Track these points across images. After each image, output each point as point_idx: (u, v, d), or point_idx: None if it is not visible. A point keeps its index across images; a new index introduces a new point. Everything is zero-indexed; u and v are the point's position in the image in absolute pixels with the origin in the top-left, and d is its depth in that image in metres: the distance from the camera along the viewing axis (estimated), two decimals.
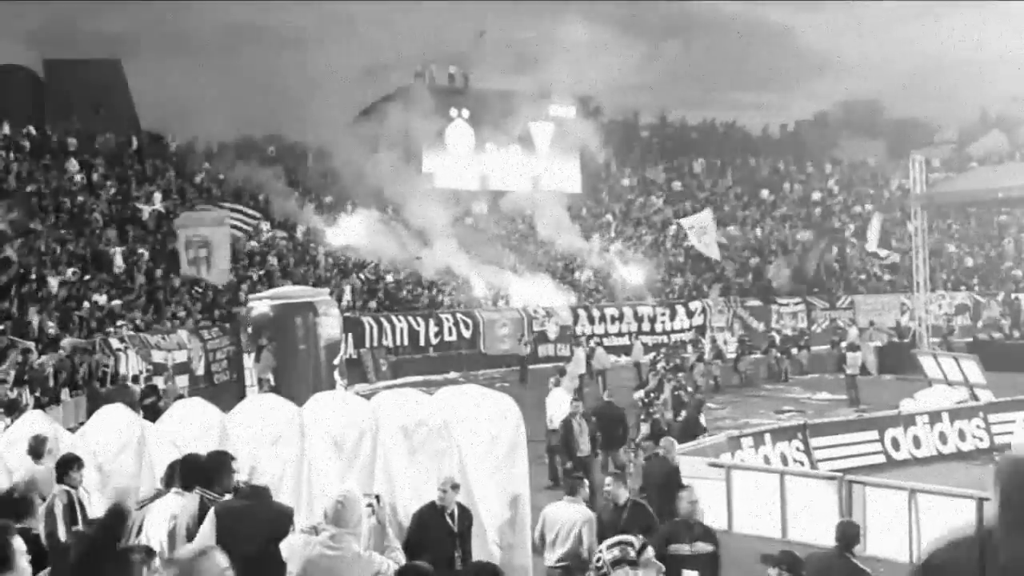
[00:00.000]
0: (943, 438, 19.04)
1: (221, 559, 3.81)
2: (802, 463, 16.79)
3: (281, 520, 6.06)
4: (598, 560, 4.17)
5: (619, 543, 4.22)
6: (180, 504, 6.49)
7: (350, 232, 37.15)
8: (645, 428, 16.88)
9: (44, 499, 7.47)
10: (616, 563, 4.10)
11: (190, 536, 6.16)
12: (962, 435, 19.24)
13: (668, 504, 9.52)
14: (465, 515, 8.01)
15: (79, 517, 7.45)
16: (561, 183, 46.50)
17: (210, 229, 27.65)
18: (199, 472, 6.65)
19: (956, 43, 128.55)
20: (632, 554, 4.11)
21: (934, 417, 19.33)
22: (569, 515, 9.08)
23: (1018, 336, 35.16)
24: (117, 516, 5.42)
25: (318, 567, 5.61)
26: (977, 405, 20.58)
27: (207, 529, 6.07)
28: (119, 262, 29.15)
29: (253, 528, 5.90)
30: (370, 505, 6.24)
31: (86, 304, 24.99)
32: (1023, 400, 20.44)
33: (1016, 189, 33.46)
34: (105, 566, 4.30)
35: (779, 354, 32.34)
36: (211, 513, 6.14)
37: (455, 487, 7.94)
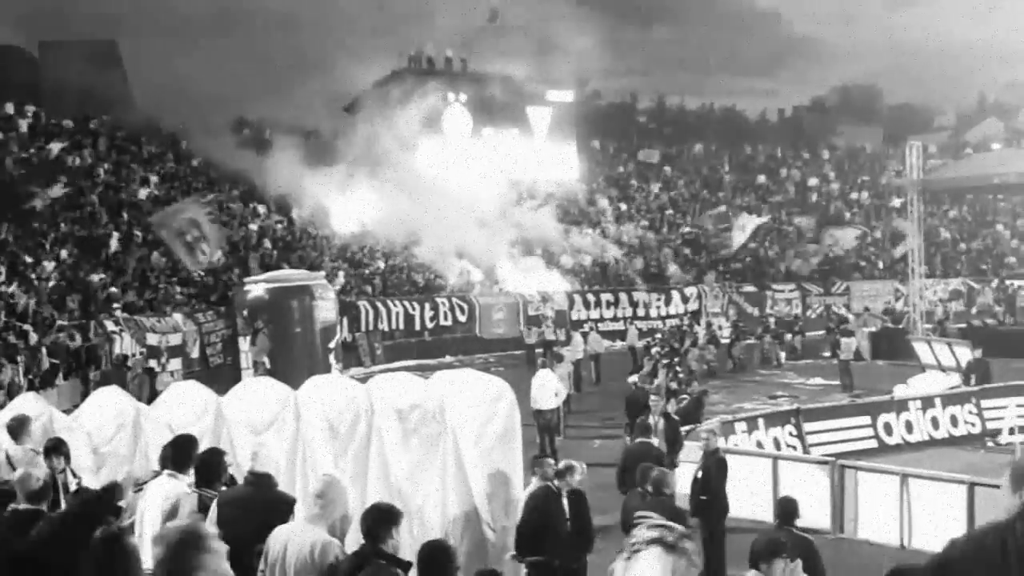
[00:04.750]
0: (935, 423, 19.11)
1: (216, 541, 3.78)
2: (795, 448, 16.85)
3: (280, 507, 6.06)
4: (633, 537, 4.20)
5: (660, 525, 4.25)
6: (175, 487, 6.52)
7: (346, 216, 37.11)
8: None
9: None
10: (652, 542, 4.12)
11: None
12: (954, 420, 19.32)
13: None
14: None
15: (61, 501, 7.43)
16: (558, 168, 46.46)
17: (194, 209, 27.41)
18: (188, 458, 6.68)
19: (953, 30, 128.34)
20: (670, 538, 4.13)
21: (926, 402, 19.39)
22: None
23: (1011, 322, 35.23)
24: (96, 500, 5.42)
25: (276, 539, 5.63)
26: (969, 391, 20.66)
27: (208, 519, 6.11)
28: (114, 245, 29.14)
29: (251, 515, 5.92)
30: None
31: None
32: (1015, 386, 20.51)
33: (1012, 175, 33.54)
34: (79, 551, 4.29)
35: (772, 339, 32.43)
36: (215, 502, 6.20)
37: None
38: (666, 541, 4.12)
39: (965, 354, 23.09)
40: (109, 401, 8.92)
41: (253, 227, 35.05)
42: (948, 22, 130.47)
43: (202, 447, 7.15)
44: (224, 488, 6.46)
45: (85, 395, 12.66)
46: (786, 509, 8.36)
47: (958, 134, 69.66)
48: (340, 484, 5.79)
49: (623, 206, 46.64)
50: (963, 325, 34.57)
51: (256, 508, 6.00)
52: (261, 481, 6.30)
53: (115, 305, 24.49)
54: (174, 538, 3.70)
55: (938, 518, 12.31)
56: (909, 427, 18.78)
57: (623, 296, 38.32)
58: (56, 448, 7.79)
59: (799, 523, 8.30)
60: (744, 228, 39.33)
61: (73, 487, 7.50)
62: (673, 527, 4.31)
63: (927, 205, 35.38)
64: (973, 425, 19.40)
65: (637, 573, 4.08)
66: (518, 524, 8.42)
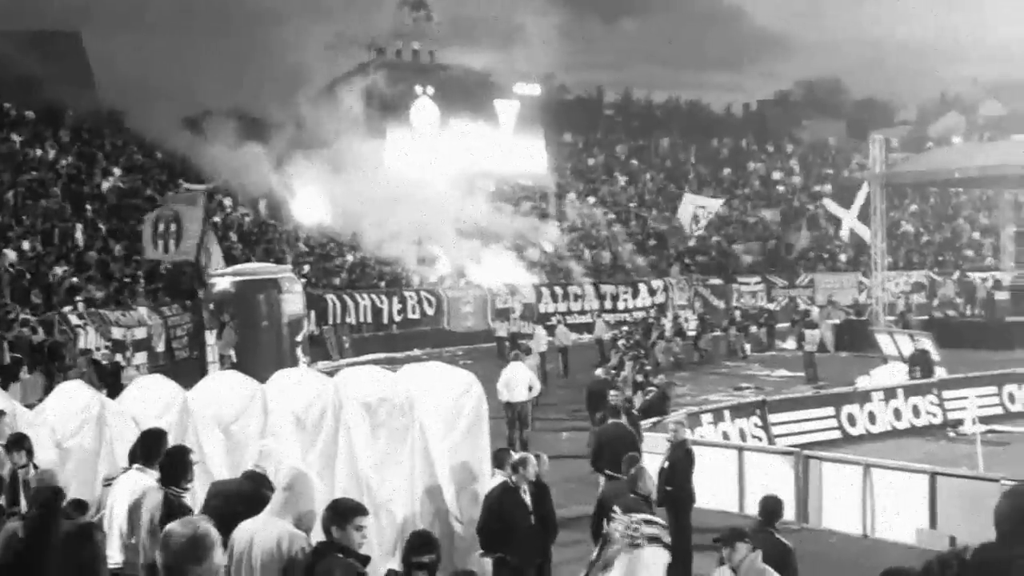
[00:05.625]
0: (898, 414, 19.37)
1: (215, 534, 3.75)
2: (760, 439, 17.03)
3: (263, 506, 6.05)
4: (635, 530, 4.24)
5: (658, 524, 4.34)
6: (143, 481, 6.49)
7: (313, 209, 36.94)
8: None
9: None
10: (652, 539, 4.20)
11: (154, 532, 6.11)
12: (916, 411, 19.59)
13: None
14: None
15: (21, 498, 7.37)
16: (526, 161, 46.48)
17: (183, 207, 27.16)
18: (157, 452, 6.67)
19: (914, 25, 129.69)
20: (667, 538, 4.24)
21: (889, 393, 19.67)
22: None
23: (972, 314, 35.71)
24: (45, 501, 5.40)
25: (243, 533, 5.63)
26: (931, 382, 20.95)
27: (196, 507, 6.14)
28: (78, 237, 28.82)
29: (243, 510, 5.90)
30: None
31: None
32: (976, 377, 20.83)
33: (972, 169, 33.97)
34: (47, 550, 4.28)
35: (738, 332, 32.68)
36: (207, 492, 6.23)
37: None
38: (664, 541, 4.21)
39: (925, 345, 23.43)
40: (74, 395, 8.84)
41: (217, 219, 34.77)
42: (910, 17, 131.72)
43: (168, 442, 7.13)
44: (189, 486, 6.44)
45: (49, 390, 12.53)
46: (769, 508, 8.05)
47: (920, 128, 70.38)
48: (308, 477, 5.79)
49: (590, 199, 46.79)
50: (925, 317, 35.00)
51: (246, 504, 5.96)
52: (255, 478, 6.33)
53: (78, 299, 24.25)
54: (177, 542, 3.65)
55: (900, 507, 12.50)
56: (872, 418, 19.02)
57: (590, 289, 38.47)
58: (18, 443, 7.73)
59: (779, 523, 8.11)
60: (688, 209, 39.28)
61: (35, 483, 7.46)
62: (666, 524, 4.41)
63: (890, 198, 35.74)
64: (935, 416, 19.69)
65: (641, 568, 4.15)
66: (478, 524, 8.44)
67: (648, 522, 4.29)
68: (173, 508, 6.09)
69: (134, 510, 6.35)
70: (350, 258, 36.39)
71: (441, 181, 40.01)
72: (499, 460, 9.35)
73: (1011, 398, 20.58)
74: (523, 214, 42.06)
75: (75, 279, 25.66)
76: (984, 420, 17.78)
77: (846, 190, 39.60)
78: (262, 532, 5.54)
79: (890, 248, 37.53)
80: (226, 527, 5.74)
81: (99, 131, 37.19)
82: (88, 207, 31.22)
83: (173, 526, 3.62)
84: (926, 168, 37.57)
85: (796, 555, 7.79)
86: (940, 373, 21.90)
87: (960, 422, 18.94)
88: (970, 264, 43.72)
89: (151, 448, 6.70)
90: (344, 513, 5.34)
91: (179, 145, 36.20)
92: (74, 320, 22.45)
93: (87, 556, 4.01)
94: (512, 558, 8.52)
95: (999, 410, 20.08)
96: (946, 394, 19.98)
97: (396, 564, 7.22)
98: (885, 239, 35.11)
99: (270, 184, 36.87)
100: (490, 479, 8.80)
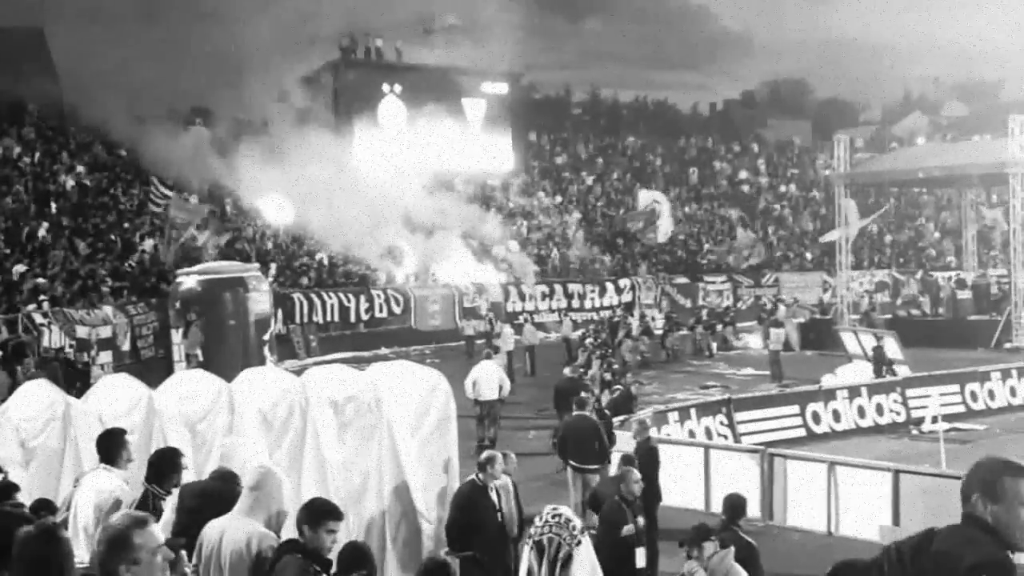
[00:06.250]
0: (862, 412, 19.58)
1: (156, 532, 3.76)
2: (726, 437, 17.16)
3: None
4: (573, 528, 4.36)
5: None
6: (108, 481, 6.45)
7: (280, 209, 36.73)
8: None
9: None
10: (584, 531, 4.36)
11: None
12: (880, 409, 19.81)
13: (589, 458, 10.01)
14: None
15: None
16: (494, 160, 46.50)
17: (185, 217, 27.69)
18: (118, 451, 6.63)
19: (878, 26, 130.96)
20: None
21: (853, 391, 19.87)
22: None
23: (935, 313, 36.15)
24: None
25: (212, 531, 5.64)
26: (895, 380, 21.20)
27: (168, 510, 6.09)
28: (42, 234, 28.50)
29: (213, 512, 5.88)
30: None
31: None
32: (939, 375, 21.11)
33: (935, 169, 34.42)
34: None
35: (704, 330, 32.87)
36: (177, 495, 6.18)
37: None
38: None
39: (890, 344, 23.69)
40: (38, 394, 8.76)
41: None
42: (873, 18, 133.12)
43: (134, 441, 7.08)
44: (174, 488, 6.40)
45: (12, 388, 12.39)
46: (733, 505, 8.13)
47: (884, 128, 71.11)
48: (276, 476, 5.78)
49: (558, 198, 46.87)
50: (889, 316, 35.37)
51: (217, 505, 5.94)
52: (226, 478, 6.30)
53: (42, 297, 23.99)
54: (119, 533, 3.67)
55: (864, 504, 12.64)
56: (836, 416, 19.22)
57: (558, 288, 38.58)
58: None
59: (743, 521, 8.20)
60: (647, 199, 39.40)
61: None
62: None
63: (854, 198, 36.08)
64: (898, 414, 19.92)
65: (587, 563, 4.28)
66: (446, 522, 8.47)
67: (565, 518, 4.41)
68: (148, 508, 6.05)
69: (101, 508, 6.31)
70: (318, 257, 36.22)
71: (408, 179, 39.91)
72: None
73: (973, 396, 20.88)
74: (490, 211, 42.04)
75: (39, 278, 25.40)
76: (947, 418, 18.03)
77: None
78: (232, 532, 5.53)
79: (854, 248, 37.91)
80: (199, 524, 5.77)
81: (63, 128, 36.78)
82: (53, 204, 30.89)
83: (111, 519, 3.65)
84: (890, 168, 38.00)
85: (760, 553, 7.89)
86: (904, 371, 22.15)
87: (922, 420, 19.18)
88: (932, 263, 44.24)
89: (111, 448, 6.65)
90: (318, 515, 5.35)
91: (133, 140, 35.89)
92: (38, 319, 22.20)
93: (54, 556, 3.97)
94: (480, 556, 8.56)
95: (961, 408, 20.37)
96: (909, 392, 20.21)
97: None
98: (849, 239, 35.50)
99: (238, 183, 36.63)
100: (459, 478, 8.83)
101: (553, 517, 4.32)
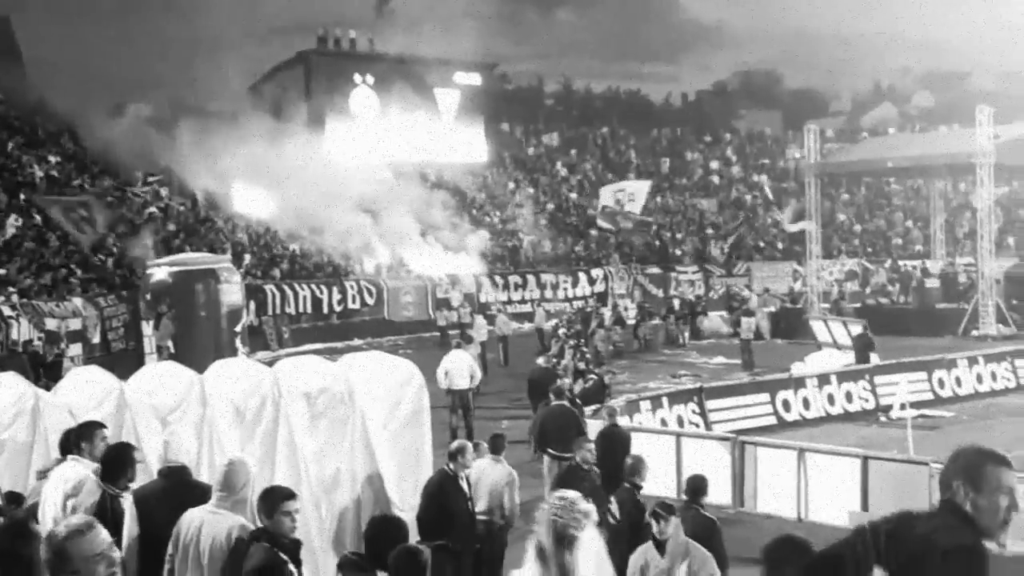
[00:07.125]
0: (831, 400, 19.77)
1: (102, 536, 3.75)
2: (698, 425, 17.29)
3: (197, 497, 6.03)
4: (580, 512, 4.42)
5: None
6: (77, 471, 6.43)
7: (251, 201, 36.50)
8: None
9: None
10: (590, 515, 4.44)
11: None
12: (849, 397, 20.01)
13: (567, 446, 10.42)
14: None
15: None
16: (467, 150, 46.45)
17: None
18: (92, 442, 6.60)
19: (848, 17, 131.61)
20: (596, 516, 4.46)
21: (823, 379, 20.06)
22: (494, 474, 9.49)
23: (903, 301, 36.50)
24: None
25: (189, 521, 5.64)
26: (864, 368, 21.40)
27: (128, 518, 6.05)
28: (12, 222, 28.20)
29: (172, 509, 5.87)
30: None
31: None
32: (907, 363, 21.35)
33: (904, 160, 34.71)
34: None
35: (677, 320, 33.03)
36: (130, 499, 6.11)
37: None
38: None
39: (858, 332, 23.90)
40: (8, 387, 8.69)
41: (155, 209, 34.25)
42: (843, 9, 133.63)
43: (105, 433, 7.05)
44: (129, 484, 6.34)
45: None
46: (693, 486, 8.41)
47: (854, 119, 71.62)
48: (249, 467, 5.81)
49: (531, 189, 46.89)
50: (858, 305, 35.69)
51: (173, 501, 5.94)
52: (174, 473, 6.25)
53: (11, 289, 23.77)
54: (61, 543, 3.68)
55: (834, 491, 12.78)
56: (806, 404, 19.39)
57: (531, 278, 38.63)
58: None
59: (706, 501, 8.43)
60: (634, 197, 39.39)
61: None
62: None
63: (824, 188, 36.35)
64: (867, 401, 20.12)
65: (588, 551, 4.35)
66: (418, 512, 8.50)
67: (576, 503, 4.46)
68: (105, 508, 6.02)
69: (68, 501, 6.28)
70: (291, 248, 36.06)
71: (381, 170, 39.80)
72: (496, 446, 9.54)
73: (940, 383, 21.13)
74: (464, 203, 42.02)
75: (6, 269, 25.17)
76: (915, 405, 18.23)
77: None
78: (212, 524, 5.56)
79: (824, 237, 38.18)
80: (161, 526, 5.76)
81: (30, 119, 36.38)
82: (22, 196, 30.56)
83: (54, 528, 3.68)
84: (860, 158, 38.30)
85: (721, 530, 8.11)
86: (873, 359, 22.37)
87: (891, 407, 19.38)
88: (900, 252, 44.63)
89: (81, 437, 6.63)
90: (271, 501, 5.41)
91: (104, 132, 35.55)
92: (6, 311, 22.01)
93: (23, 550, 3.97)
94: (451, 545, 8.61)
95: (929, 395, 20.62)
96: (878, 380, 20.43)
97: (341, 552, 7.25)
98: (820, 228, 35.76)
99: (210, 175, 36.35)
100: (432, 468, 8.85)
101: (560, 500, 4.38)
